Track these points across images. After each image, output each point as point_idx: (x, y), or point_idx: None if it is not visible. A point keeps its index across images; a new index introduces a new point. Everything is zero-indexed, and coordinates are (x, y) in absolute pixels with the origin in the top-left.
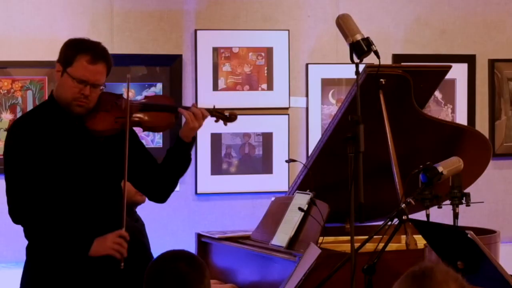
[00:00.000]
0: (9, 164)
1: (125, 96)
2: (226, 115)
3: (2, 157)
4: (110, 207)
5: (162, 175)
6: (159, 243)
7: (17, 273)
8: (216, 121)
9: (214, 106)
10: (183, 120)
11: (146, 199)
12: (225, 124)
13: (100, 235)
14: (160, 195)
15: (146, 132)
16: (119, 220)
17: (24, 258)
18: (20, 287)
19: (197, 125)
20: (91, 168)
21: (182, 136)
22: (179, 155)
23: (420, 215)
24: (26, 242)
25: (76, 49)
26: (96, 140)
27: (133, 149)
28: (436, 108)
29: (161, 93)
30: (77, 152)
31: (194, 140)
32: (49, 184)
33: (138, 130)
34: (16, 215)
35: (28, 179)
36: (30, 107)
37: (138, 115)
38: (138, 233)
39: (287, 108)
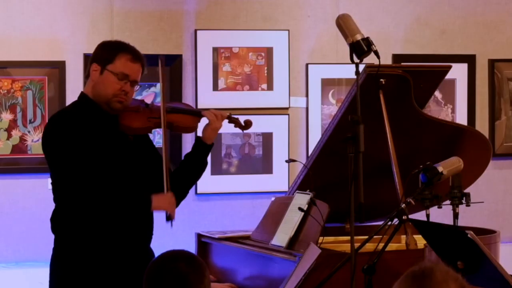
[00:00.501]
0: (60, 154)
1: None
2: (241, 124)
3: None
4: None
5: (179, 177)
6: (159, 243)
7: (17, 273)
8: (235, 126)
9: (229, 114)
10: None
11: None
12: (243, 131)
13: (131, 231)
14: (176, 198)
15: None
16: (147, 205)
17: (23, 258)
18: (50, 283)
19: (219, 125)
20: (128, 165)
21: (205, 137)
22: (198, 159)
23: (420, 215)
24: (26, 242)
25: (117, 48)
26: (128, 139)
27: (149, 152)
28: (436, 108)
29: (161, 93)
30: (115, 149)
31: (213, 144)
32: (97, 174)
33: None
34: (83, 196)
35: (82, 164)
36: (30, 107)
37: (169, 116)
38: None
39: (287, 108)
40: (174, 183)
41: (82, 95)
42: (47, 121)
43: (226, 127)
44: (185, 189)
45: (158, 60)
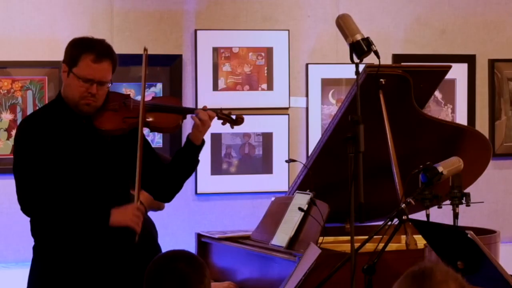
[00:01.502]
0: (19, 158)
1: (134, 97)
2: (232, 118)
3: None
4: (118, 204)
5: (169, 175)
6: (159, 243)
7: (17, 273)
8: (223, 123)
9: (220, 109)
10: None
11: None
12: (232, 127)
13: (108, 232)
14: (166, 195)
15: (145, 133)
16: (104, 220)
17: (23, 258)
18: (28, 286)
19: (206, 128)
20: (99, 167)
21: (192, 138)
22: (187, 157)
23: (420, 215)
24: (26, 242)
25: (80, 49)
26: (104, 139)
27: (127, 155)
28: (436, 108)
29: (161, 93)
30: (85, 151)
31: (203, 142)
32: (58, 181)
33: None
34: (29, 205)
35: (38, 172)
36: (30, 107)
37: (148, 115)
38: (149, 224)
39: (287, 108)
40: (167, 176)
41: (58, 95)
42: None
43: (226, 128)
44: (178, 183)
45: (156, 61)
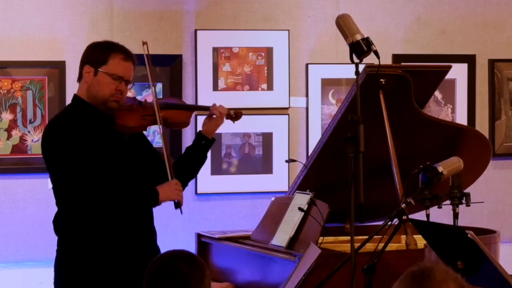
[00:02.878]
0: (60, 155)
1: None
2: (232, 115)
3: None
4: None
5: (179, 170)
6: (159, 243)
7: (17, 273)
8: (227, 118)
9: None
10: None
11: None
12: (233, 122)
13: (133, 229)
14: None
15: (145, 132)
16: (155, 198)
17: (23, 258)
18: (55, 284)
19: (221, 121)
20: (125, 164)
21: (207, 132)
22: (199, 153)
23: (420, 215)
24: (26, 242)
25: (109, 49)
26: (124, 139)
27: (146, 149)
28: (436, 108)
29: (161, 93)
30: (113, 149)
31: (213, 139)
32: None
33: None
34: (85, 192)
35: (84, 163)
36: (30, 107)
37: (162, 112)
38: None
39: (287, 108)
40: (177, 172)
41: (76, 98)
42: (47, 121)
43: (226, 128)
44: (184, 181)
45: (156, 61)
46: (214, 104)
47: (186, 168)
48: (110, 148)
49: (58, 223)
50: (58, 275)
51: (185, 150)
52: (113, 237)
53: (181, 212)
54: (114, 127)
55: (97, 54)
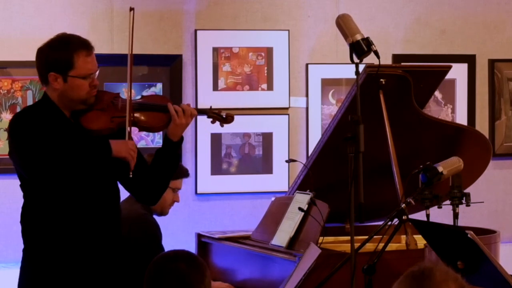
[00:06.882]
0: (21, 138)
1: (123, 96)
2: (222, 116)
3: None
4: (107, 205)
5: (151, 176)
6: None
7: (17, 273)
8: (213, 122)
9: (210, 107)
10: None
11: None
12: (222, 126)
13: (98, 229)
14: (150, 197)
15: (145, 132)
16: (117, 212)
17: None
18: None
19: (183, 122)
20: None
21: (169, 134)
22: (167, 155)
23: (420, 215)
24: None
25: (68, 49)
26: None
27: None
28: (436, 108)
29: (161, 93)
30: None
31: (181, 139)
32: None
33: (134, 129)
34: (39, 165)
35: (42, 145)
36: None
37: (135, 114)
38: (154, 226)
39: (287, 108)
40: (149, 177)
41: (45, 95)
42: None
43: (226, 128)
44: (161, 183)
45: (156, 61)
46: (181, 105)
47: (160, 170)
48: (71, 138)
49: (24, 220)
50: (22, 276)
51: (155, 153)
52: (78, 235)
53: (131, 175)
54: (80, 129)
55: (59, 58)
